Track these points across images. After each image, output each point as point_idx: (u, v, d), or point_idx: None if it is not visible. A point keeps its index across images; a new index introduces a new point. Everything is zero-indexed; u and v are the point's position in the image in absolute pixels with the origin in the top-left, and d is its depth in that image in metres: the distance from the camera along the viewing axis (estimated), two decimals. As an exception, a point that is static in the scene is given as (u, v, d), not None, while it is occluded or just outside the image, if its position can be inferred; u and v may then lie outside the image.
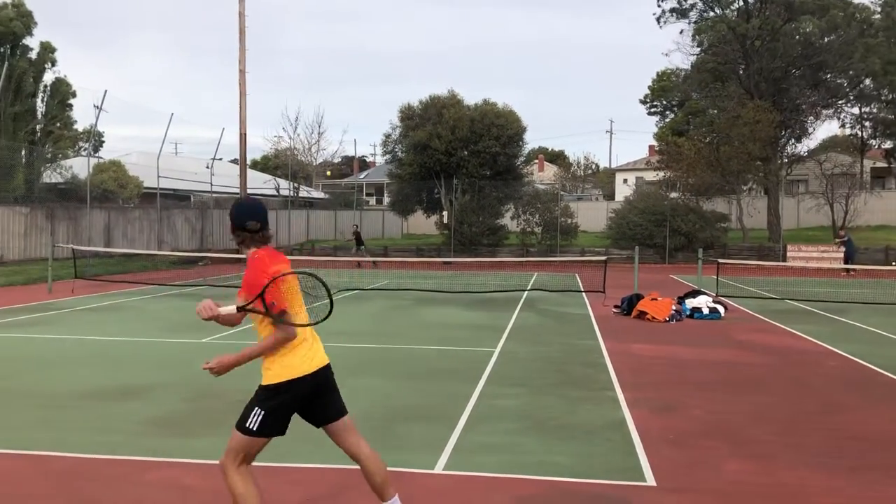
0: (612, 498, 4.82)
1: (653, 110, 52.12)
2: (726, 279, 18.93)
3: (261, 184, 42.80)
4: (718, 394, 7.84)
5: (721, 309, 14.19)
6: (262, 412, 3.91)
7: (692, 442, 6.08)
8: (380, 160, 69.01)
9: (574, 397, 7.56)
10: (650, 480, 5.15)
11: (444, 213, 33.96)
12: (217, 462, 5.39)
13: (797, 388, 8.17)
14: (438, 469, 5.32)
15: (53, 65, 28.19)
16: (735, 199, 34.70)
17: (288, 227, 37.61)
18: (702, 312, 14.00)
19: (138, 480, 5.06)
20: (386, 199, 61.15)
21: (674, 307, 13.80)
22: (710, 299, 14.59)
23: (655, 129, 50.23)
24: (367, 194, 67.39)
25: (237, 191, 32.51)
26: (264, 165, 55.81)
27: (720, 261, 18.70)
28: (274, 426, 3.94)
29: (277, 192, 43.18)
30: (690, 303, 14.29)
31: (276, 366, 3.95)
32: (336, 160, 61.44)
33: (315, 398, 4.07)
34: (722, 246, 31.77)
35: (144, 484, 5.00)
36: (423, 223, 43.69)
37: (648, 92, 52.16)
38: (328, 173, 59.93)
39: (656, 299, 14.03)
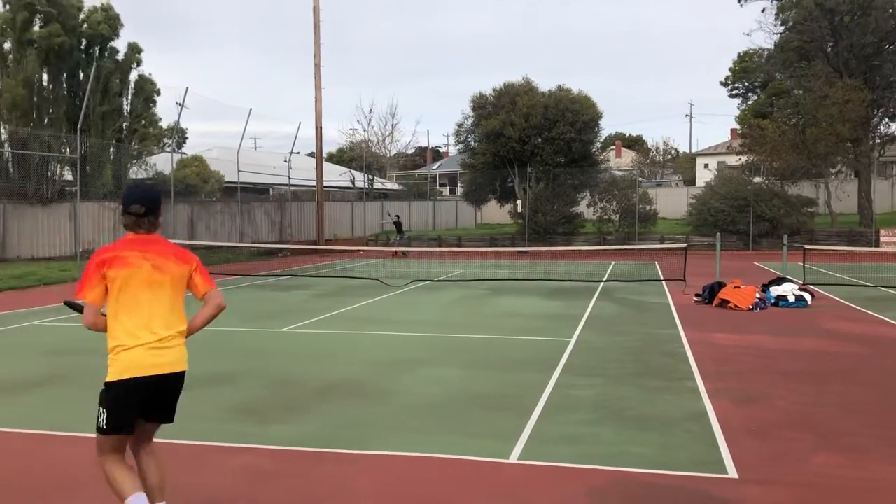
0: (693, 490, 4.68)
1: (734, 92, 50.41)
2: (813, 266, 18.18)
3: (336, 176, 43.46)
4: (805, 384, 7.53)
5: (808, 297, 13.65)
6: (105, 410, 3.76)
7: (776, 433, 5.86)
8: (453, 150, 69.20)
9: (652, 387, 7.39)
10: (732, 472, 4.98)
11: (518, 202, 33.72)
12: (293, 448, 5.53)
13: (891, 380, 7.78)
14: (513, 458, 5.28)
15: (139, 65, 29.21)
16: (823, 182, 33.30)
17: (364, 218, 38.08)
18: (787, 300, 13.50)
19: (220, 466, 5.20)
20: (459, 189, 61.27)
21: (758, 295, 13.35)
22: (796, 287, 14.05)
23: (737, 112, 48.58)
24: (441, 184, 67.62)
25: (314, 183, 33.11)
26: (339, 158, 56.60)
27: (807, 247, 17.96)
28: (119, 423, 3.75)
29: (353, 184, 43.77)
30: (775, 290, 13.79)
31: (115, 363, 3.74)
32: (409, 151, 61.87)
33: (156, 400, 3.87)
34: (809, 231, 30.55)
35: (225, 469, 5.13)
36: (496, 212, 43.54)
37: (729, 74, 50.48)
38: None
39: (739, 287, 13.60)
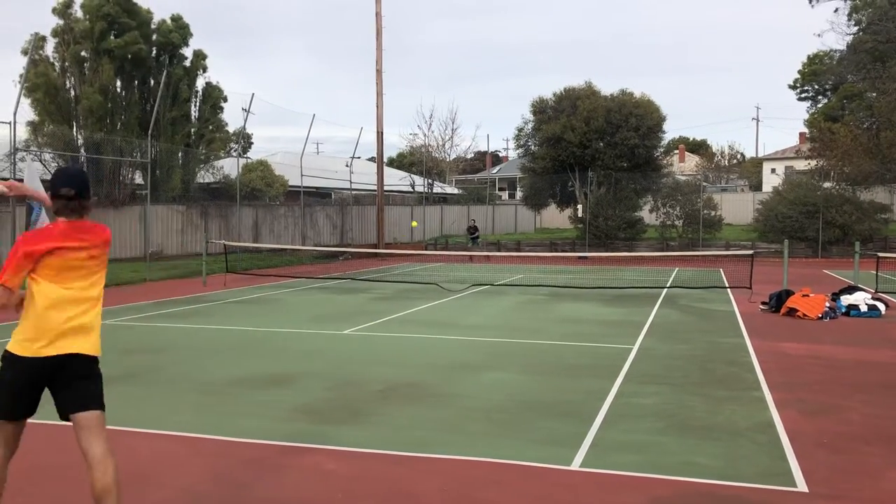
0: (759, 503, 4.57)
1: (803, 95, 48.99)
2: (886, 274, 17.53)
3: (397, 181, 43.82)
4: (879, 396, 7.27)
5: (881, 306, 13.18)
6: None
7: (849, 447, 5.67)
8: (512, 154, 69.00)
9: (718, 397, 7.24)
10: (801, 486, 4.85)
11: (579, 207, 33.43)
12: (358, 449, 5.60)
13: (972, 394, 7.45)
14: (575, 466, 5.24)
15: (205, 71, 29.99)
16: (897, 188, 32.12)
17: (423, 222, 38.28)
18: (859, 310, 13.06)
19: (284, 464, 5.29)
20: (518, 194, 61.07)
21: (827, 304, 12.95)
22: (869, 296, 13.58)
23: (806, 116, 47.18)
24: (500, 189, 67.52)
25: (374, 188, 33.43)
26: (399, 163, 57.06)
27: (880, 255, 17.33)
28: (12, 405, 3.66)
29: (412, 188, 44.05)
30: (846, 299, 13.35)
31: (14, 335, 3.68)
32: (468, 156, 61.91)
33: (52, 387, 3.70)
34: (882, 238, 29.49)
35: (289, 468, 5.22)
36: (556, 217, 43.25)
37: (798, 76, 49.08)
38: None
39: (808, 295, 13.21)
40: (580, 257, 28.26)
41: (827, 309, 12.76)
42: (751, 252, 17.75)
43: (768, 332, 11.19)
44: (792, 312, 12.96)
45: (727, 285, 17.96)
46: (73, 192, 3.73)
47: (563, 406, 6.87)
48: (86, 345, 3.73)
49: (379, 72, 32.02)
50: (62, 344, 3.65)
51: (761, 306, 13.93)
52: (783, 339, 10.58)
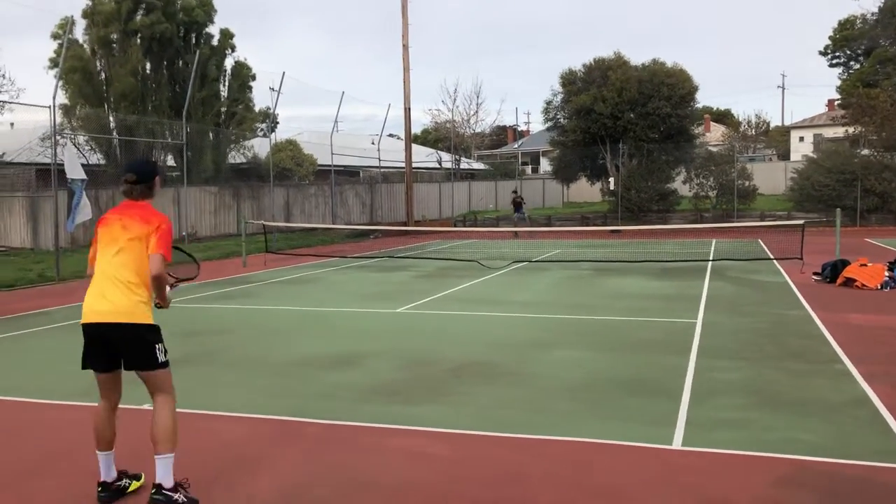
0: (888, 484, 4.39)
1: (835, 62, 48.00)
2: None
3: (424, 157, 43.58)
4: (970, 369, 7.05)
5: (942, 275, 12.86)
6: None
7: (957, 422, 5.48)
8: (534, 128, 68.32)
9: (800, 371, 7.06)
10: (923, 464, 4.67)
11: (611, 180, 33.04)
12: (449, 430, 5.49)
13: None
14: (677, 445, 5.09)
15: (233, 50, 29.84)
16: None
17: (451, 198, 38.09)
18: (919, 279, 12.75)
19: (380, 446, 5.19)
20: (542, 168, 60.59)
21: (886, 273, 12.66)
22: (928, 264, 13.25)
23: (838, 82, 46.20)
24: (523, 163, 67.02)
25: (402, 165, 33.25)
26: (424, 139, 56.72)
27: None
28: (86, 360, 4.28)
29: (440, 164, 43.80)
30: (905, 268, 13.04)
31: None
32: (486, 131, 61.24)
33: (111, 346, 4.20)
34: (923, 206, 28.94)
35: (387, 450, 5.11)
36: (585, 190, 42.86)
37: (829, 42, 48.03)
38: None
39: (866, 265, 12.92)
40: (613, 231, 27.97)
41: (887, 278, 12.48)
42: (802, 222, 17.36)
43: (830, 304, 10.95)
44: (849, 283, 12.69)
45: (772, 256, 17.65)
46: (133, 177, 4.34)
47: (646, 383, 6.72)
48: (121, 311, 4.17)
49: (405, 47, 31.68)
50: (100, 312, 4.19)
51: (814, 277, 13.66)
52: (848, 311, 10.34)
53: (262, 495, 4.39)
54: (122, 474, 4.39)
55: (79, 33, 25.76)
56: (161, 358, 4.21)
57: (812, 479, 4.48)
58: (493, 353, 8.09)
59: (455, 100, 57.62)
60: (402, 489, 4.44)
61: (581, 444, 5.16)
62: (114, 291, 4.14)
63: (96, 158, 24.34)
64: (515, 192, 32.47)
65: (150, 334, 4.20)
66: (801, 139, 58.34)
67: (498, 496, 4.32)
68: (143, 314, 4.18)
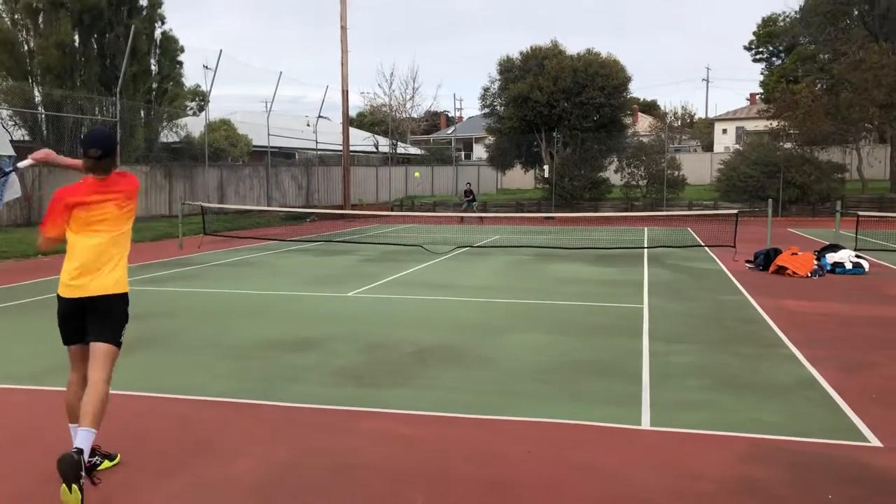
0: (843, 459, 4.66)
1: (758, 57, 49.79)
2: (847, 232, 17.99)
3: (360, 141, 43.21)
4: (902, 352, 7.50)
5: (865, 264, 13.58)
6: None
7: (899, 402, 5.84)
8: (466, 114, 68.41)
9: (749, 354, 7.37)
10: (873, 440, 4.97)
11: (545, 167, 33.52)
12: (422, 413, 5.53)
13: None
14: (646, 425, 5.27)
15: (163, 22, 28.76)
16: (853, 148, 32.99)
17: (389, 183, 37.95)
18: (844, 268, 13.43)
19: (356, 430, 5.20)
20: (475, 154, 60.87)
21: (815, 262, 13.28)
22: (853, 254, 13.97)
23: (762, 77, 47.95)
24: (456, 149, 67.18)
25: (339, 148, 32.93)
26: (359, 122, 56.18)
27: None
28: (62, 334, 4.38)
29: (376, 148, 43.53)
30: (831, 257, 13.71)
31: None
32: (416, 116, 61.10)
33: (81, 319, 4.30)
34: (839, 198, 30.31)
35: (364, 433, 5.13)
36: (518, 178, 43.31)
37: (753, 38, 49.77)
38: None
39: (796, 254, 13.52)
40: (547, 218, 28.43)
41: (816, 267, 13.10)
42: (735, 211, 18.04)
43: (767, 290, 11.44)
44: (781, 270, 13.26)
45: (706, 245, 18.27)
46: (99, 152, 4.23)
47: (606, 366, 6.91)
48: (108, 285, 4.27)
49: (343, 28, 31.30)
50: (84, 286, 4.23)
51: (747, 264, 14.22)
52: (784, 297, 10.83)
53: (247, 478, 4.36)
54: (94, 451, 4.30)
55: (-1, 1, 24.49)
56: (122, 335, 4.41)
57: (776, 455, 4.71)
58: (452, 336, 8.16)
59: (391, 84, 57.19)
60: (389, 470, 4.47)
61: (555, 424, 5.28)
62: (110, 268, 4.32)
63: (20, 134, 23.25)
64: (469, 184, 34.01)
65: (125, 305, 4.41)
66: (725, 131, 60.25)
67: (486, 474, 4.40)
68: (126, 284, 4.41)
